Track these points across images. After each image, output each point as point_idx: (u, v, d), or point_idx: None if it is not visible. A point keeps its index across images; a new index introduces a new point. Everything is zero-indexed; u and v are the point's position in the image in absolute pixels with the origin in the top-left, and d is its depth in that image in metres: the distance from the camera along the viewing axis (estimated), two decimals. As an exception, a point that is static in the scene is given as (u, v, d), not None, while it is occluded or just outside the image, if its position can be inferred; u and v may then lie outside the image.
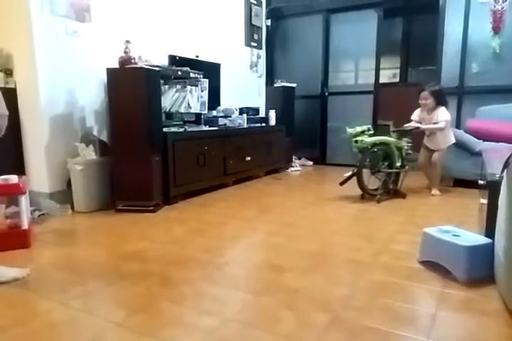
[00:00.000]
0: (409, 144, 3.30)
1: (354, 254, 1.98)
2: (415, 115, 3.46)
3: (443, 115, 3.26)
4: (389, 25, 5.47)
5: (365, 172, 3.08)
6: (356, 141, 3.01)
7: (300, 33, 5.26)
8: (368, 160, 3.09)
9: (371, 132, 3.10)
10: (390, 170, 3.19)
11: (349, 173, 3.12)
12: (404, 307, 1.44)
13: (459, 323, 1.35)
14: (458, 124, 4.18)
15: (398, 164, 3.23)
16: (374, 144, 3.05)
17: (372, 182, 3.18)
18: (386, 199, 3.15)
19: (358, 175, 3.05)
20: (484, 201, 2.00)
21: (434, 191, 3.41)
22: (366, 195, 3.17)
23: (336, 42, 5.09)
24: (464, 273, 1.63)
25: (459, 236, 1.74)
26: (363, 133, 3.05)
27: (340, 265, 1.85)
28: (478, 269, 1.64)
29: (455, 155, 3.54)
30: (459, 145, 3.54)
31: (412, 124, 3.42)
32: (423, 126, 3.33)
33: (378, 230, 2.39)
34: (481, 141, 3.50)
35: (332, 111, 5.20)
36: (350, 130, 3.09)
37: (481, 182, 2.48)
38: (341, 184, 3.17)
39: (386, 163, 3.19)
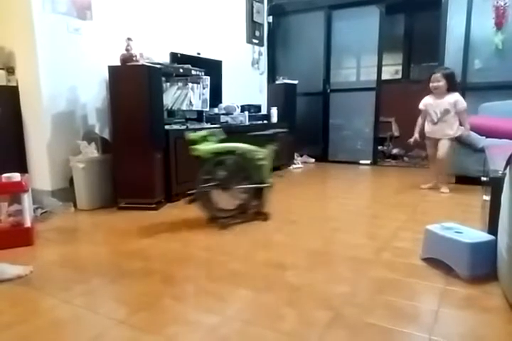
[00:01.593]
0: (271, 153, 2.53)
1: (356, 251, 1.98)
2: (422, 104, 3.37)
3: (462, 101, 3.17)
4: (391, 22, 5.45)
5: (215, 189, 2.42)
6: (193, 150, 2.34)
7: (302, 29, 5.24)
8: (213, 173, 2.39)
9: (222, 137, 2.48)
10: (244, 186, 2.46)
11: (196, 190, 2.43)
12: (406, 304, 1.44)
13: (462, 320, 1.35)
14: (460, 121, 4.16)
15: (258, 178, 2.48)
16: (218, 153, 2.38)
17: (229, 201, 2.47)
18: (239, 223, 2.45)
19: (201, 192, 2.37)
20: (487, 198, 1.99)
21: (444, 188, 3.30)
22: (216, 218, 2.44)
23: (338, 39, 5.08)
24: (466, 270, 1.62)
25: (461, 233, 1.73)
26: (205, 138, 2.40)
27: (342, 262, 1.85)
28: (481, 266, 1.63)
29: (457, 152, 3.53)
30: (462, 142, 3.52)
31: (414, 137, 3.38)
32: (415, 137, 3.34)
33: (381, 227, 2.39)
34: (484, 137, 3.48)
35: (334, 108, 5.19)
36: (191, 134, 2.41)
37: (483, 178, 2.47)
38: (189, 202, 2.45)
39: (241, 177, 2.46)
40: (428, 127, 3.37)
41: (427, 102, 3.35)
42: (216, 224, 2.41)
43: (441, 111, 3.25)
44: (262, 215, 2.55)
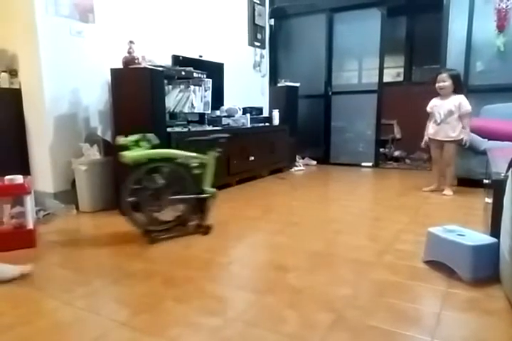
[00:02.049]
0: (200, 162, 2.30)
1: (358, 254, 1.98)
2: (429, 106, 3.36)
3: (467, 104, 3.16)
4: (393, 24, 5.46)
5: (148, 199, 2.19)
6: (121, 156, 2.11)
7: (303, 32, 5.26)
8: (144, 182, 2.18)
9: (156, 142, 2.26)
10: (179, 197, 2.25)
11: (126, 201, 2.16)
12: (408, 306, 1.44)
13: (464, 323, 1.34)
14: (462, 123, 4.16)
15: (197, 187, 2.28)
16: (147, 160, 2.17)
17: (166, 213, 2.29)
18: (174, 237, 2.22)
19: (127, 203, 2.13)
20: (489, 200, 1.98)
21: (447, 191, 3.29)
22: (148, 232, 2.20)
23: (340, 42, 5.09)
24: (468, 273, 1.62)
25: (463, 235, 1.73)
26: (137, 143, 2.19)
27: (344, 264, 1.85)
28: (483, 269, 1.63)
29: (459, 154, 3.52)
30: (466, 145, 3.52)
31: (424, 140, 3.38)
32: (427, 138, 3.31)
33: (383, 229, 2.38)
34: (486, 139, 3.48)
35: (336, 111, 5.20)
36: (120, 139, 2.21)
37: (485, 181, 2.46)
38: (123, 214, 2.19)
39: (177, 187, 2.26)
40: (431, 128, 3.36)
41: (433, 104, 3.34)
42: (145, 238, 2.16)
43: (444, 113, 3.24)
44: (202, 228, 2.31)
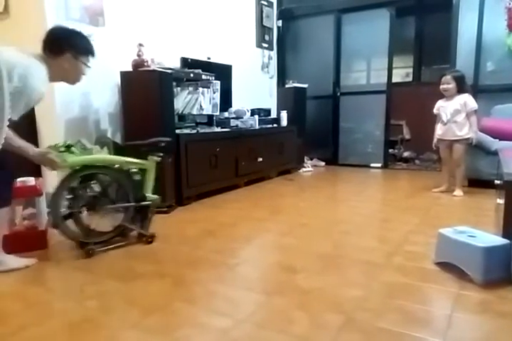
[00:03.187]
0: (139, 167, 2.22)
1: (367, 255, 1.96)
2: (435, 108, 3.37)
3: (472, 102, 3.16)
4: (401, 24, 5.42)
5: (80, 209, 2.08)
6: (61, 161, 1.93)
7: (311, 33, 5.25)
8: (75, 191, 2.04)
9: (90, 147, 2.16)
10: (118, 205, 2.14)
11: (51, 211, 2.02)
12: (419, 308, 1.42)
13: (476, 325, 1.33)
14: (473, 123, 4.11)
15: (137, 195, 2.16)
16: (85, 167, 2.03)
17: (104, 222, 2.14)
18: (116, 248, 2.10)
19: (56, 215, 1.98)
20: (501, 201, 1.96)
21: (458, 191, 3.27)
22: (84, 244, 2.04)
23: (348, 42, 5.07)
24: (480, 275, 1.60)
25: (475, 237, 1.71)
26: (68, 149, 2.11)
27: (353, 266, 1.84)
28: (495, 270, 1.61)
29: (470, 155, 3.48)
30: (474, 145, 3.48)
31: (434, 142, 3.36)
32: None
33: (392, 231, 2.37)
34: (497, 140, 3.44)
35: (344, 112, 5.18)
36: (49, 145, 2.11)
37: (497, 182, 2.44)
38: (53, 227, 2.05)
39: (114, 195, 2.15)
40: (439, 129, 3.36)
41: (439, 105, 3.36)
42: (83, 250, 2.00)
43: (451, 112, 3.25)
44: (145, 237, 2.18)
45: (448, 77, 3.22)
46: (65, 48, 1.83)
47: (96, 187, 2.10)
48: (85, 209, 2.08)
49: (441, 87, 3.27)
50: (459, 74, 3.26)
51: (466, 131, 3.22)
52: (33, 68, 1.70)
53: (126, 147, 2.33)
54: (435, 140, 3.40)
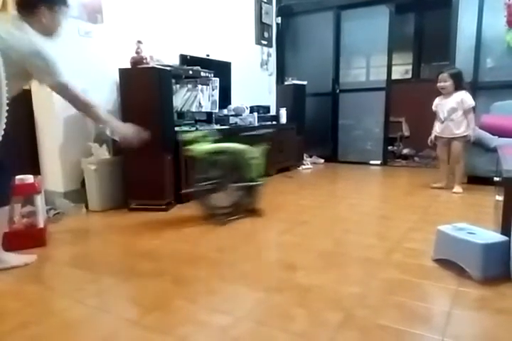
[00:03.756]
0: (262, 152, 2.65)
1: (367, 252, 1.97)
2: (433, 105, 3.39)
3: (469, 99, 3.16)
4: (401, 21, 5.41)
5: (209, 187, 2.51)
6: (188, 150, 2.46)
7: (310, 30, 5.24)
8: (208, 172, 2.49)
9: (215, 138, 2.57)
10: (238, 185, 2.56)
11: (191, 189, 2.53)
12: (418, 305, 1.43)
13: (475, 321, 1.33)
14: (472, 120, 4.11)
15: (253, 176, 2.57)
16: (212, 153, 2.46)
17: (223, 199, 2.57)
18: (235, 220, 2.53)
19: (197, 191, 2.47)
20: (500, 198, 1.96)
21: (457, 188, 3.27)
22: (213, 215, 2.52)
23: (347, 39, 5.05)
24: (479, 271, 1.61)
25: (474, 233, 1.71)
26: (200, 139, 2.49)
27: (353, 263, 1.84)
28: (494, 267, 1.61)
29: (469, 152, 3.49)
30: (474, 142, 3.48)
31: (430, 138, 3.38)
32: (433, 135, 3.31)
33: (391, 228, 2.37)
34: (496, 137, 3.44)
35: (343, 109, 5.17)
36: (185, 135, 2.57)
37: (496, 179, 2.44)
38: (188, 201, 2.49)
39: (235, 176, 2.56)
40: (437, 127, 3.37)
41: (437, 103, 3.37)
42: (213, 220, 2.47)
43: (448, 110, 3.26)
44: (255, 212, 2.63)
45: (445, 75, 3.22)
46: (38, 3, 1.81)
47: (220, 170, 2.52)
48: (212, 187, 2.50)
49: (439, 84, 3.27)
50: (455, 71, 3.26)
51: (463, 128, 3.23)
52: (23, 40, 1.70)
53: (240, 137, 2.87)
54: (432, 136, 3.41)
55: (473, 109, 3.23)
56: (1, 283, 1.67)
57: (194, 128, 3.17)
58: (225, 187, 2.54)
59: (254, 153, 2.60)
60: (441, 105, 3.30)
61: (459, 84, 3.21)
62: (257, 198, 2.65)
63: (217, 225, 2.43)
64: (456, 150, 3.27)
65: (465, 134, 3.23)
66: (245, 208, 2.64)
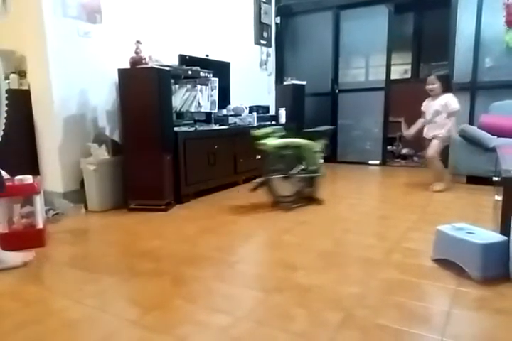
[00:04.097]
0: (323, 147, 3.01)
1: (366, 252, 1.97)
2: (422, 106, 3.43)
3: (454, 103, 3.19)
4: (400, 21, 5.42)
5: (277, 177, 2.81)
6: (260, 144, 2.74)
7: (310, 30, 5.24)
8: (275, 164, 2.78)
9: (281, 134, 2.86)
10: (301, 175, 2.89)
11: (261, 179, 2.77)
12: (417, 305, 1.43)
13: (474, 322, 1.33)
14: (471, 120, 4.12)
15: (313, 168, 2.92)
16: (281, 147, 2.76)
17: (287, 188, 2.88)
18: (301, 206, 2.87)
19: (266, 181, 2.75)
20: (499, 198, 1.97)
21: (435, 186, 3.32)
22: (279, 202, 2.83)
23: (346, 39, 5.06)
24: (478, 271, 1.61)
25: (473, 233, 1.71)
26: (269, 135, 2.79)
27: (353, 263, 1.84)
28: (494, 267, 1.62)
29: (468, 152, 3.50)
30: (473, 142, 3.49)
31: (408, 132, 3.42)
32: (411, 132, 3.34)
33: (391, 228, 2.37)
34: (495, 136, 3.45)
35: (343, 109, 5.18)
36: (255, 132, 2.82)
37: (495, 178, 2.44)
38: (252, 190, 2.78)
39: (299, 168, 2.89)
40: (424, 128, 3.43)
41: (425, 104, 3.43)
42: (279, 207, 2.81)
43: (432, 113, 3.31)
44: (315, 200, 2.98)
45: (432, 77, 3.26)
46: None
47: (286, 162, 2.84)
48: (278, 177, 2.80)
49: (427, 87, 3.32)
50: (443, 73, 3.30)
51: (446, 129, 3.26)
52: None
53: (302, 133, 3.15)
54: (411, 130, 3.44)
55: (456, 113, 3.24)
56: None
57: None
58: (290, 178, 2.85)
59: (316, 147, 2.92)
60: (428, 107, 3.36)
61: (446, 86, 3.25)
62: (317, 188, 2.98)
63: (284, 211, 2.76)
64: (431, 148, 3.30)
65: (441, 135, 3.27)
66: (306, 197, 2.96)
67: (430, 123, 3.32)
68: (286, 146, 2.79)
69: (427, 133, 3.37)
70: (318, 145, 2.94)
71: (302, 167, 2.89)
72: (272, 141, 2.73)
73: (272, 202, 2.83)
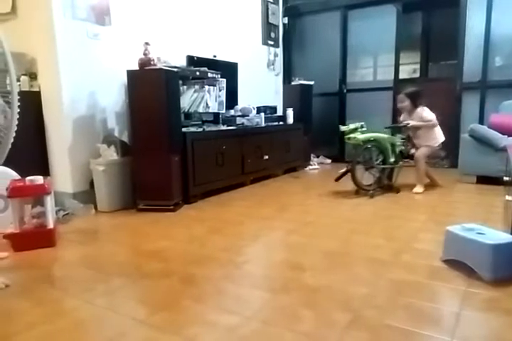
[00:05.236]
0: (403, 140, 3.35)
1: (375, 253, 1.96)
2: (401, 117, 3.50)
3: (428, 114, 3.27)
4: (408, 20, 5.37)
5: (360, 168, 3.16)
6: (349, 138, 3.08)
7: (317, 30, 5.23)
8: (361, 156, 3.15)
9: (364, 129, 3.15)
10: (384, 166, 3.25)
11: (344, 169, 3.17)
12: (427, 306, 1.42)
13: (484, 323, 1.32)
14: (481, 119, 4.08)
15: (392, 160, 3.26)
16: (366, 141, 3.09)
17: (367, 178, 3.24)
18: (379, 195, 3.20)
19: (352, 171, 3.09)
20: (510, 198, 1.95)
21: (417, 188, 3.32)
22: (361, 191, 3.21)
23: (354, 39, 5.04)
24: (489, 272, 1.59)
25: (483, 234, 1.70)
26: (355, 130, 3.10)
27: (361, 264, 1.84)
28: (504, 268, 1.60)
29: (478, 152, 3.46)
30: (483, 141, 3.45)
31: (404, 122, 3.42)
32: (412, 122, 3.31)
33: (399, 228, 2.36)
34: (506, 136, 3.40)
35: (351, 109, 5.15)
36: (343, 127, 3.14)
37: (506, 178, 2.42)
38: (336, 180, 3.25)
39: (380, 159, 3.25)
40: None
41: (402, 119, 3.48)
42: (363, 194, 3.19)
43: (412, 130, 3.37)
44: (394, 189, 3.29)
45: (401, 96, 3.37)
46: None
47: (369, 154, 3.20)
48: (364, 167, 3.20)
49: (398, 105, 3.44)
50: (411, 90, 3.35)
51: (431, 138, 3.31)
52: None
53: (386, 128, 3.53)
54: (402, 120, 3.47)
55: (435, 122, 3.26)
56: (10, 282, 1.69)
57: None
58: (372, 168, 3.21)
59: (396, 141, 3.27)
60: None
61: (415, 102, 3.31)
62: (395, 177, 3.34)
63: (368, 198, 3.11)
64: (419, 150, 3.34)
65: (427, 144, 3.32)
66: (384, 186, 3.28)
67: (414, 139, 3.40)
68: (370, 140, 3.11)
69: (416, 142, 3.42)
70: (397, 139, 3.28)
71: (382, 158, 3.23)
72: (360, 135, 3.04)
73: (355, 190, 3.21)
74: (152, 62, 2.82)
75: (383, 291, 1.55)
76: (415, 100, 3.30)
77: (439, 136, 3.33)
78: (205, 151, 3.21)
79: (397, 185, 3.34)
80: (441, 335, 1.23)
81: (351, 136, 3.06)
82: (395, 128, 3.45)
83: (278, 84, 5.31)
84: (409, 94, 3.33)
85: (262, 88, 4.95)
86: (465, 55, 4.13)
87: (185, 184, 3.03)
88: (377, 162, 3.24)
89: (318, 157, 5.20)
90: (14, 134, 1.71)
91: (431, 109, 3.42)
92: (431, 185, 3.50)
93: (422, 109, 3.29)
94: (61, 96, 2.78)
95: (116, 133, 3.17)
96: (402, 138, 3.34)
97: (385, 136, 3.22)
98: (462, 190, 3.38)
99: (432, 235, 2.18)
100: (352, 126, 3.12)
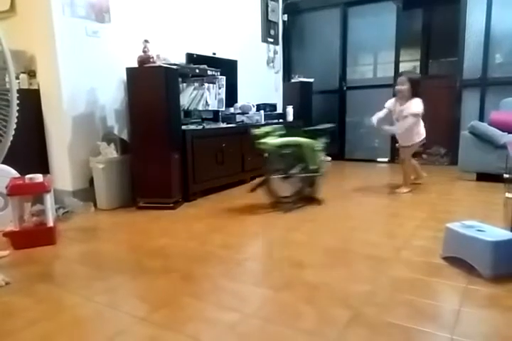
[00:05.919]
0: (324, 145, 2.90)
1: (375, 250, 1.96)
2: (389, 103, 3.26)
3: (416, 106, 3.03)
4: (408, 17, 5.35)
5: (275, 178, 2.75)
6: (259, 143, 2.65)
7: (317, 27, 5.21)
8: (275, 163, 2.74)
9: (282, 132, 2.76)
10: (302, 175, 2.80)
11: (260, 179, 2.82)
12: (427, 303, 1.42)
13: (484, 320, 1.32)
14: (481, 116, 4.08)
15: (313, 167, 2.81)
16: (281, 146, 2.68)
17: (286, 189, 2.82)
18: (298, 208, 2.77)
19: (266, 181, 2.70)
20: (510, 195, 1.95)
21: (402, 188, 3.24)
22: (278, 203, 2.78)
23: (354, 36, 5.03)
24: (488, 269, 1.59)
25: (483, 231, 1.70)
26: (269, 133, 2.70)
27: (361, 261, 1.84)
28: (504, 265, 1.60)
29: (478, 149, 3.46)
30: (483, 138, 3.45)
31: (389, 130, 3.27)
32: (400, 131, 3.15)
33: (400, 225, 2.36)
34: (506, 133, 3.40)
35: (350, 106, 5.15)
36: (255, 130, 2.73)
37: (506, 175, 2.42)
38: (252, 191, 2.79)
39: (299, 167, 2.79)
40: (396, 134, 3.31)
41: (391, 103, 3.25)
42: (279, 208, 2.74)
43: (398, 118, 3.17)
44: (315, 201, 2.87)
45: (403, 78, 3.10)
46: None
47: (285, 162, 2.76)
48: (278, 176, 2.74)
49: (396, 87, 3.17)
50: (413, 76, 3.16)
51: (417, 136, 3.15)
52: None
53: (303, 131, 2.96)
54: (374, 121, 3.23)
55: (417, 115, 3.05)
56: (11, 280, 1.69)
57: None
58: (290, 178, 2.77)
59: (317, 146, 2.82)
60: (396, 112, 3.19)
61: (415, 90, 3.08)
62: (317, 188, 2.87)
63: (282, 212, 2.68)
64: (402, 152, 3.26)
65: (410, 144, 3.18)
66: (306, 197, 2.86)
67: (401, 132, 3.17)
68: (286, 145, 2.70)
69: (401, 142, 3.26)
70: (318, 144, 2.83)
71: (302, 166, 2.78)
72: (272, 140, 2.65)
73: (271, 203, 2.76)
74: (151, 60, 2.81)
75: (383, 288, 1.55)
76: (415, 88, 3.10)
77: (422, 131, 3.17)
78: (204, 149, 3.20)
79: (322, 196, 2.91)
80: (442, 332, 1.24)
81: (262, 140, 2.64)
82: (319, 131, 2.96)
83: (278, 82, 5.30)
84: (411, 79, 3.10)
85: (261, 85, 4.94)
86: (465, 52, 4.12)
87: (185, 182, 3.03)
88: (295, 171, 2.77)
89: (318, 154, 5.18)
90: (13, 132, 1.70)
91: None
92: (417, 184, 3.47)
93: (416, 101, 3.07)
94: (60, 94, 2.78)
95: (115, 131, 3.17)
96: (326, 143, 2.91)
97: (304, 140, 2.77)
98: (462, 187, 3.38)
99: (432, 232, 2.18)
100: (266, 129, 2.73)
